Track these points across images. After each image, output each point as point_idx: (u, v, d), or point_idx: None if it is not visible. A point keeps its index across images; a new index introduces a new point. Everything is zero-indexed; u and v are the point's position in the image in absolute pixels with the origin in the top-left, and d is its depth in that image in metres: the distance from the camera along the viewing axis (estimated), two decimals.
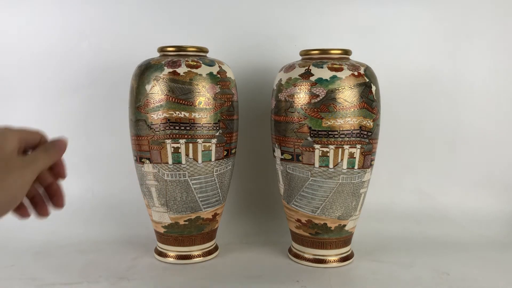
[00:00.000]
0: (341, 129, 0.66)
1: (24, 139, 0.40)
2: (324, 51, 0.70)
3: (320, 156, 0.67)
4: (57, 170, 0.44)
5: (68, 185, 1.05)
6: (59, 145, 0.42)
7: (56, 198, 0.44)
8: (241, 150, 0.88)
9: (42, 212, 0.44)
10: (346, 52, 0.71)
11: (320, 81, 0.66)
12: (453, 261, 0.74)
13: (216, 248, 0.78)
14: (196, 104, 0.67)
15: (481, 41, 0.95)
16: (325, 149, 0.67)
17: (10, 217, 0.95)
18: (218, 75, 0.70)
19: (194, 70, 0.68)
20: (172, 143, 0.68)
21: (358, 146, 0.68)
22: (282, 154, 0.71)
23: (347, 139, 0.67)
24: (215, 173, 0.71)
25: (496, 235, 0.88)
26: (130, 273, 0.69)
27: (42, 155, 0.40)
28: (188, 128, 0.67)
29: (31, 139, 0.41)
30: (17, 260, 0.74)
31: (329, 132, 0.66)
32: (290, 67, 0.71)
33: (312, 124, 0.67)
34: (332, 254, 0.72)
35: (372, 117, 0.68)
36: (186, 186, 0.69)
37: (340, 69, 0.67)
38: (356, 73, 0.67)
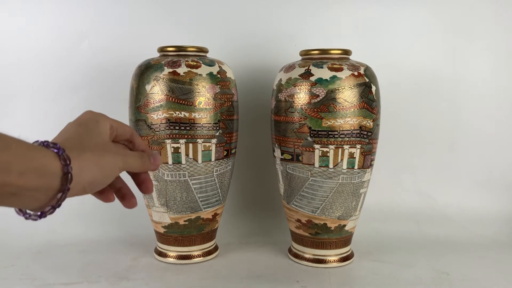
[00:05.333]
0: (341, 129, 0.66)
1: (115, 129, 0.43)
2: (324, 51, 0.70)
3: (320, 156, 0.67)
4: (145, 185, 0.46)
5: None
6: (155, 160, 0.44)
7: (144, 185, 0.46)
8: (241, 150, 0.88)
9: (127, 203, 0.47)
10: (346, 52, 0.71)
11: (320, 81, 0.66)
12: (453, 261, 0.74)
13: (216, 248, 0.78)
14: (196, 104, 0.67)
15: (481, 41, 0.95)
16: (325, 149, 0.67)
17: (10, 217, 0.94)
18: (218, 75, 0.70)
19: (194, 70, 0.68)
20: (172, 143, 0.68)
21: (358, 146, 0.68)
22: (282, 154, 0.71)
23: (347, 139, 0.67)
24: (215, 173, 0.71)
25: (496, 235, 0.88)
26: (130, 273, 0.69)
27: (136, 157, 0.43)
28: (188, 128, 0.67)
29: (122, 131, 0.43)
30: (17, 260, 0.74)
31: (329, 132, 0.66)
32: (290, 67, 0.71)
33: (312, 124, 0.67)
34: (332, 254, 0.72)
35: (372, 117, 0.68)
36: (186, 186, 0.69)
37: (340, 69, 0.67)
38: (356, 73, 0.67)
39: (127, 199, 0.47)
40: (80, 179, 0.37)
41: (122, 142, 0.45)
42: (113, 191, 0.46)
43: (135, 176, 0.46)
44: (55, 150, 0.35)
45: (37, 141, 0.36)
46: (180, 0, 0.94)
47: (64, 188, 0.36)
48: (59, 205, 0.37)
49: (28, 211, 0.38)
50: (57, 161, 0.35)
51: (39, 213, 0.37)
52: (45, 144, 0.36)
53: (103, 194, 0.45)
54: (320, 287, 0.65)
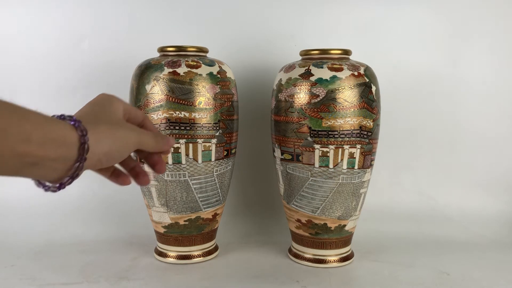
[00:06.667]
0: (341, 129, 0.66)
1: (128, 111, 0.44)
2: (324, 51, 0.70)
3: (320, 156, 0.67)
4: (158, 166, 0.48)
5: (68, 185, 1.05)
6: (168, 140, 0.46)
7: (157, 166, 0.48)
8: (241, 150, 0.88)
9: (141, 181, 0.48)
10: (346, 52, 0.71)
11: (320, 81, 0.66)
12: (453, 261, 0.74)
13: (216, 248, 0.78)
14: (196, 104, 0.67)
15: (481, 42, 0.96)
16: (325, 149, 0.67)
17: (10, 218, 0.94)
18: (218, 75, 0.70)
19: (194, 70, 0.68)
20: None
21: (358, 146, 0.68)
22: (282, 154, 0.71)
23: (347, 139, 0.67)
24: (215, 173, 0.71)
25: (496, 235, 0.88)
26: (130, 273, 0.69)
27: (150, 136, 0.44)
28: (188, 128, 0.67)
29: (134, 114, 0.45)
30: (17, 260, 0.74)
31: (329, 132, 0.66)
32: (290, 67, 0.71)
33: (312, 124, 0.67)
34: (332, 254, 0.72)
35: (372, 117, 0.68)
36: (186, 186, 0.69)
37: (340, 69, 0.67)
38: (356, 73, 0.67)
39: (140, 177, 0.48)
40: (96, 150, 0.38)
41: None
42: (127, 170, 0.48)
43: (148, 158, 0.47)
44: (72, 122, 0.37)
45: (53, 116, 0.38)
46: (180, 0, 0.94)
47: (81, 158, 0.37)
48: (77, 175, 0.38)
49: (47, 183, 0.39)
50: (74, 132, 0.36)
51: (57, 185, 0.38)
52: (61, 117, 0.37)
53: (119, 177, 0.47)
54: (320, 287, 0.65)
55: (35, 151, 0.33)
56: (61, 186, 0.38)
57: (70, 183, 0.38)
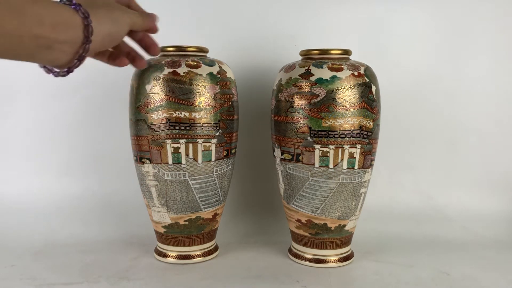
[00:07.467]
0: (341, 129, 0.66)
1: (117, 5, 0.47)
2: (324, 51, 0.70)
3: (320, 156, 0.67)
4: (152, 48, 0.52)
5: (68, 185, 1.06)
6: (153, 16, 0.50)
7: (151, 48, 0.52)
8: (241, 150, 0.88)
9: (138, 64, 0.52)
10: (346, 52, 0.71)
11: (320, 81, 0.66)
12: (453, 261, 0.74)
13: (216, 248, 0.78)
14: (196, 104, 0.67)
15: (481, 41, 0.95)
16: (325, 149, 0.67)
17: (10, 218, 0.94)
18: (218, 75, 0.70)
19: (194, 70, 0.68)
20: (172, 143, 0.67)
21: (358, 146, 0.68)
22: (282, 154, 0.71)
23: (347, 139, 0.67)
24: (215, 173, 0.71)
25: (496, 235, 0.88)
26: (130, 273, 0.69)
27: (137, 15, 0.47)
28: (188, 128, 0.67)
29: None
30: (17, 260, 0.74)
31: (329, 132, 0.66)
32: (290, 67, 0.71)
33: (312, 124, 0.67)
34: (332, 254, 0.72)
35: (372, 117, 0.68)
36: (186, 186, 0.69)
37: (340, 69, 0.67)
38: (356, 73, 0.67)
39: (137, 61, 0.52)
40: (98, 31, 0.40)
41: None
42: (124, 55, 0.51)
43: (142, 40, 0.51)
44: (73, 7, 0.39)
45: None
46: (180, 0, 0.94)
47: (87, 39, 0.39)
48: (83, 58, 0.41)
49: (55, 69, 0.42)
50: (76, 15, 0.38)
51: (66, 69, 0.41)
52: (62, 2, 0.40)
53: (116, 59, 0.51)
54: (320, 287, 0.65)
55: (48, 33, 0.36)
56: (69, 70, 0.41)
57: (77, 65, 0.41)
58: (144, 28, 0.49)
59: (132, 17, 0.46)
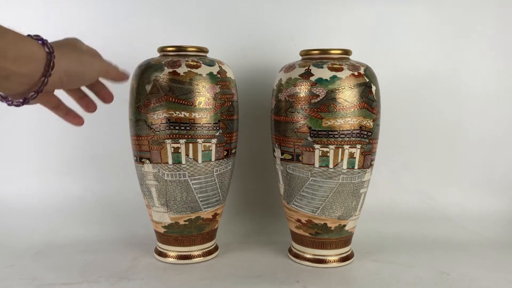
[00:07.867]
0: (341, 129, 0.66)
1: (89, 48, 0.50)
2: (324, 51, 0.70)
3: (320, 156, 0.67)
4: (108, 98, 0.55)
5: (68, 185, 1.06)
6: (125, 71, 0.55)
7: (107, 99, 0.56)
8: (241, 150, 0.88)
9: (89, 108, 0.56)
10: (346, 52, 0.71)
11: (320, 81, 0.66)
12: (453, 261, 0.74)
13: (216, 248, 0.78)
14: (196, 104, 0.67)
15: (481, 41, 0.95)
16: (325, 149, 0.67)
17: (10, 218, 0.94)
18: (218, 75, 0.70)
19: (194, 70, 0.68)
20: (172, 143, 0.67)
21: (358, 146, 0.68)
22: (282, 154, 0.71)
23: (347, 139, 0.67)
24: (215, 173, 0.71)
25: (496, 235, 0.88)
26: (130, 273, 0.69)
27: (113, 66, 0.51)
28: (188, 128, 0.67)
29: (94, 51, 0.51)
30: (17, 260, 0.74)
31: (329, 132, 0.66)
32: (290, 67, 0.71)
33: (312, 124, 0.67)
34: (332, 254, 0.72)
35: (372, 117, 0.68)
36: (186, 186, 0.69)
37: (340, 69, 0.67)
38: (356, 73, 0.67)
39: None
40: (58, 67, 0.42)
41: None
42: (94, 92, 0.54)
43: (98, 93, 0.55)
44: (40, 41, 0.41)
45: (27, 35, 0.42)
46: (180, 0, 0.94)
47: (47, 73, 0.41)
48: (41, 90, 0.42)
49: (9, 98, 0.44)
50: (42, 50, 0.41)
51: (21, 100, 0.43)
52: (31, 36, 0.42)
53: (83, 99, 0.54)
54: (320, 287, 0.65)
55: (10, 65, 0.37)
56: (25, 102, 0.43)
57: (34, 98, 0.42)
58: (117, 79, 0.53)
59: (107, 66, 0.49)
